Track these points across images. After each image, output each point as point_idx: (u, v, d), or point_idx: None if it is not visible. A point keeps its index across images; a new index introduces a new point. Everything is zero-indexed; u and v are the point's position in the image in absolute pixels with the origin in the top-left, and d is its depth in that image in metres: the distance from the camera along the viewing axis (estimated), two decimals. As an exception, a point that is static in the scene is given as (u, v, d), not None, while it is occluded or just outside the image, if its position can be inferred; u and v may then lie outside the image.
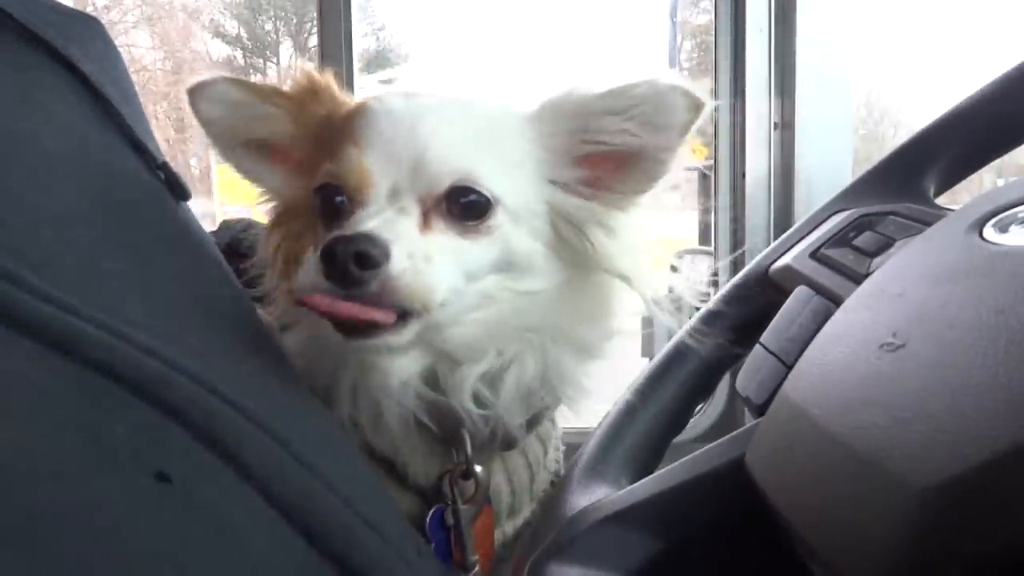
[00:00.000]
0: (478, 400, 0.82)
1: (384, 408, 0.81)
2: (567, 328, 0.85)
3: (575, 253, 0.83)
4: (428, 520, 0.84)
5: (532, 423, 0.88)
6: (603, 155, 0.82)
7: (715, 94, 1.89)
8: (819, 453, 0.53)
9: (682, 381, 0.88)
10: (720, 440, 0.71)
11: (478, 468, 0.85)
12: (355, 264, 0.68)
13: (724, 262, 1.72)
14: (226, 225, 1.15)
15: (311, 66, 0.89)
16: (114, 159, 0.58)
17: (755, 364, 0.77)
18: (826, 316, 0.75)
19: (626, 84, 0.80)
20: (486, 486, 0.86)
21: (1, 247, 0.39)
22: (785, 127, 1.77)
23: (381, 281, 0.69)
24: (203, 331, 0.48)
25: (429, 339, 0.78)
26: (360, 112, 0.80)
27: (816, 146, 1.75)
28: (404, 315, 0.72)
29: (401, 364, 0.80)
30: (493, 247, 0.79)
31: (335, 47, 2.07)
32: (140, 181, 0.59)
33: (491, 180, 0.77)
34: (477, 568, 0.85)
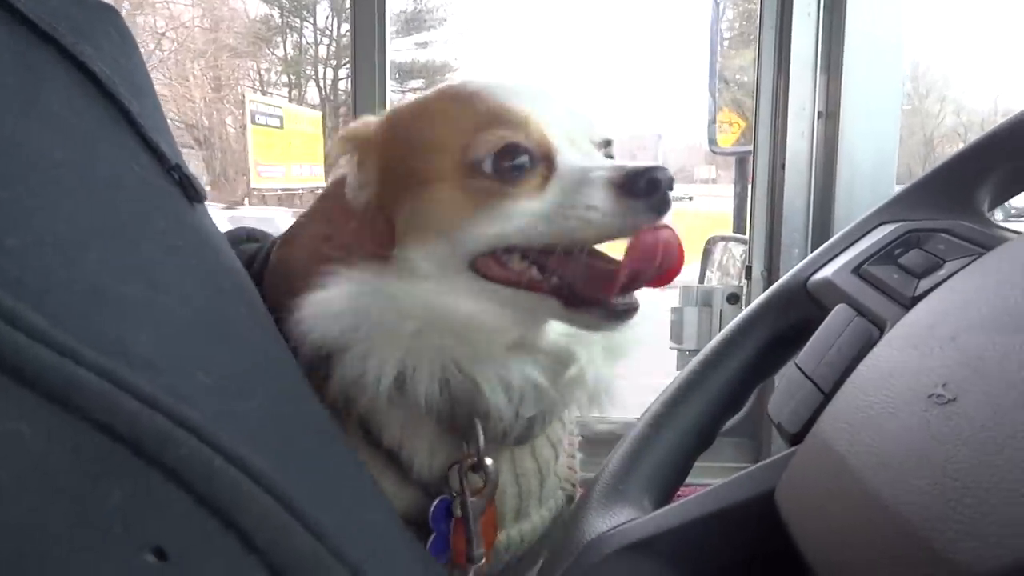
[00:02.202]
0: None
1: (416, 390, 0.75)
2: None
3: None
4: (432, 511, 0.81)
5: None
6: None
7: (757, 76, 1.83)
8: (855, 506, 0.50)
9: (712, 394, 0.84)
10: (749, 469, 0.68)
11: (488, 461, 0.82)
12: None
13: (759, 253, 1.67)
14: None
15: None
16: (124, 165, 0.55)
17: (789, 388, 0.74)
18: (867, 341, 0.72)
19: None
20: (495, 480, 0.83)
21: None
22: (829, 116, 1.70)
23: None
24: (213, 361, 0.46)
25: None
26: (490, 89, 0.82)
27: (861, 138, 1.68)
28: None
29: None
30: None
31: (367, 8, 2.04)
32: (152, 187, 0.57)
33: None
34: (483, 561, 0.83)
